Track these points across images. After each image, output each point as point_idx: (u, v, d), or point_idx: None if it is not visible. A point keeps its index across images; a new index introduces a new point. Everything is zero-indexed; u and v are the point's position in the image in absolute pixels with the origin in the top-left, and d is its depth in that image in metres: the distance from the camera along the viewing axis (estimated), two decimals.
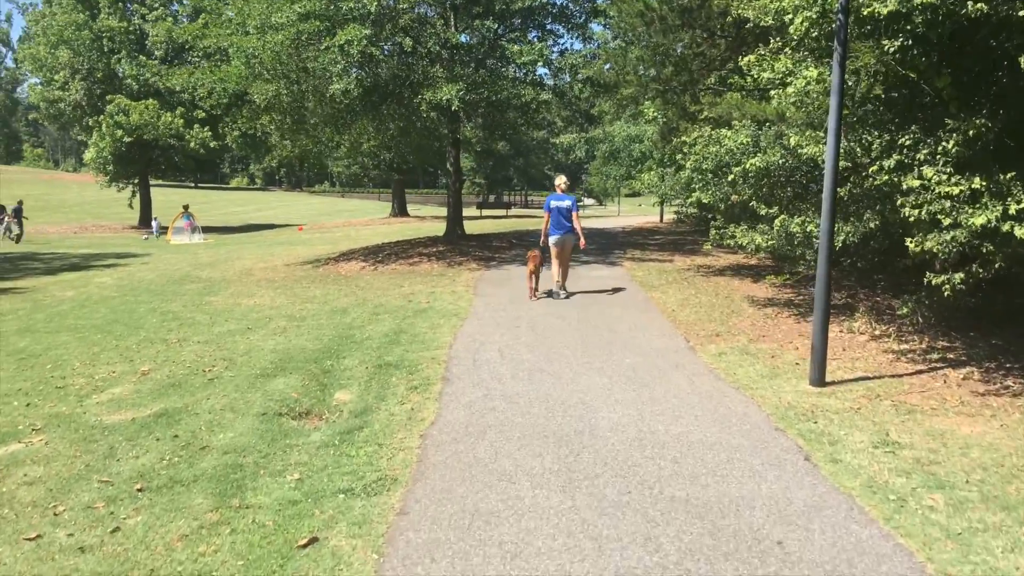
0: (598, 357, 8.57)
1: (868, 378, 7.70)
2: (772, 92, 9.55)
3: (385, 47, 15.23)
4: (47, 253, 25.26)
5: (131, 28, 40.46)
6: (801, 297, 12.22)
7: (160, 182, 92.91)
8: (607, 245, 20.95)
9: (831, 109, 7.01)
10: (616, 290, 13.14)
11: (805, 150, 8.38)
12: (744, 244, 10.40)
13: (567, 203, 12.43)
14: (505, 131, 22.11)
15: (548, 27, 19.27)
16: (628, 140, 26.83)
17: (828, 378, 7.51)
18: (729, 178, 10.55)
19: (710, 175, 11.53)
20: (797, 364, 8.22)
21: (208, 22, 19.00)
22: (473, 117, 18.97)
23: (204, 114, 37.82)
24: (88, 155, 42.50)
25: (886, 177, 7.55)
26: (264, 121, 17.48)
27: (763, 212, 9.93)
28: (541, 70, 17.96)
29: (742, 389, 7.33)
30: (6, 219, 33.91)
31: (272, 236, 34.74)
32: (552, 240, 12.44)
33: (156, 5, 41.85)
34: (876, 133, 7.89)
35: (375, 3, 14.49)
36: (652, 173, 15.63)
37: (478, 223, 34.17)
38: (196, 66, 21.27)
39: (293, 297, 13.60)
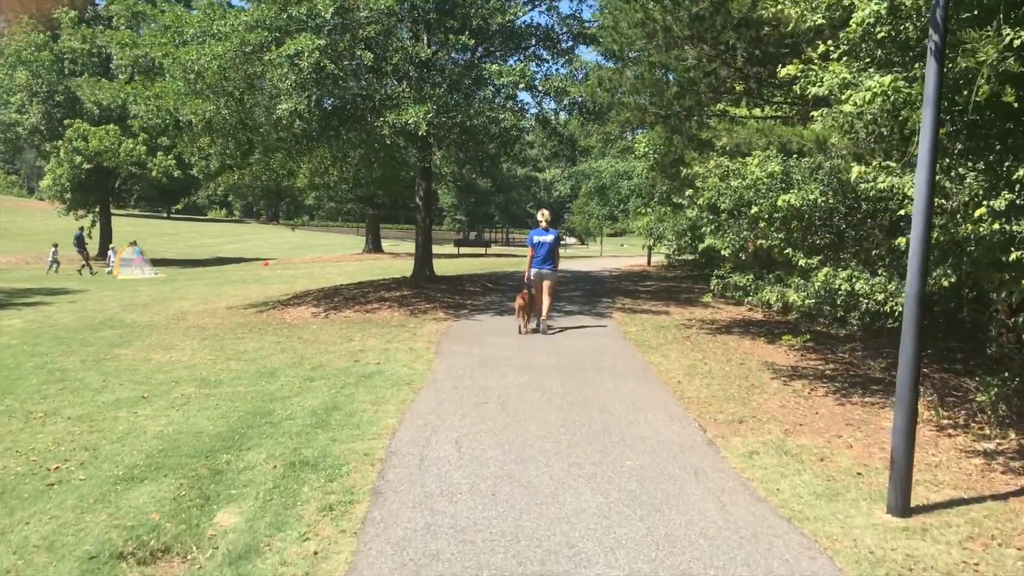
0: (589, 456, 6.35)
1: (964, 501, 5.52)
2: (814, 113, 7.50)
3: (343, 62, 13.09)
4: None
5: (93, 50, 38.23)
6: (831, 366, 10.08)
7: (128, 212, 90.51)
8: (594, 292, 18.79)
9: (924, 124, 4.93)
10: (607, 351, 10.96)
11: (876, 183, 6.26)
12: (771, 301, 8.28)
13: (550, 238, 12.22)
14: (481, 162, 19.97)
15: (532, 51, 17.31)
16: (616, 176, 24.89)
17: (912, 501, 5.34)
18: (749, 218, 8.46)
19: (723, 215, 9.44)
20: (859, 474, 6.04)
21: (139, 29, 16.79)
22: (444, 145, 16.83)
23: (168, 141, 35.61)
24: (44, 182, 40.13)
25: (990, 222, 5.46)
26: (203, 144, 15.25)
27: (799, 262, 7.82)
28: (523, 95, 15.98)
29: (796, 520, 5.12)
30: None
31: (232, 272, 32.39)
32: (535, 274, 12.31)
33: (120, 26, 39.85)
34: (971, 162, 5.80)
35: (330, 9, 12.40)
36: (649, 214, 13.55)
37: (454, 262, 32.00)
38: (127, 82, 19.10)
39: (219, 352, 11.31)
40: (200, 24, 12.91)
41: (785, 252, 7.98)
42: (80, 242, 32.57)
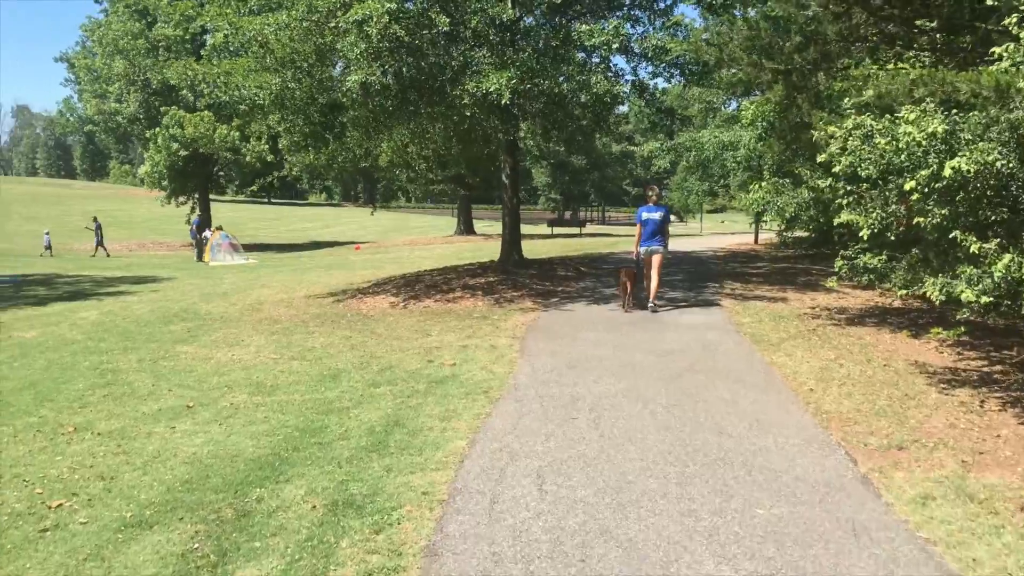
0: (707, 499, 4.92)
1: None
2: (996, 50, 5.79)
3: (416, 28, 11.84)
4: (67, 276, 22.79)
5: (186, 36, 38.39)
6: (999, 367, 8.27)
7: (232, 198, 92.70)
8: (697, 274, 17.10)
9: None
10: (718, 349, 9.41)
11: None
12: (932, 295, 6.60)
13: (658, 215, 12.10)
14: (572, 134, 18.41)
15: (627, 10, 15.63)
16: (720, 148, 22.98)
17: None
18: (902, 189, 6.78)
19: (865, 186, 7.75)
20: None
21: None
22: (530, 116, 15.39)
23: (239, 121, 35.33)
24: (143, 169, 40.75)
25: None
26: (273, 122, 14.33)
27: (972, 247, 6.12)
28: (617, 60, 14.43)
29: None
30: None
31: (322, 257, 31.95)
32: (643, 251, 12.18)
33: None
34: None
35: None
36: (761, 188, 11.85)
37: (546, 244, 30.65)
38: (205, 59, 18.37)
39: (284, 349, 10.31)
40: None
41: (950, 232, 6.28)
42: (200, 229, 32.51)
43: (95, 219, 36.01)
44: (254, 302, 15.15)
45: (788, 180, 11.99)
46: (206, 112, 37.31)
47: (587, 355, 9.14)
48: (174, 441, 6.49)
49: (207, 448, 6.27)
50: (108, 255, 34.28)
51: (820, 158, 7.82)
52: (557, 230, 48.37)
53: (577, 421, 6.63)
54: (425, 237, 43.95)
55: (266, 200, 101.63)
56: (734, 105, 24.70)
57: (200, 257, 30.36)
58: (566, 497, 5.01)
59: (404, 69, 12.38)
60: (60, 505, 5.17)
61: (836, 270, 8.43)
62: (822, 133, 8.09)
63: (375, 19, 10.92)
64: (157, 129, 38.36)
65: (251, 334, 11.57)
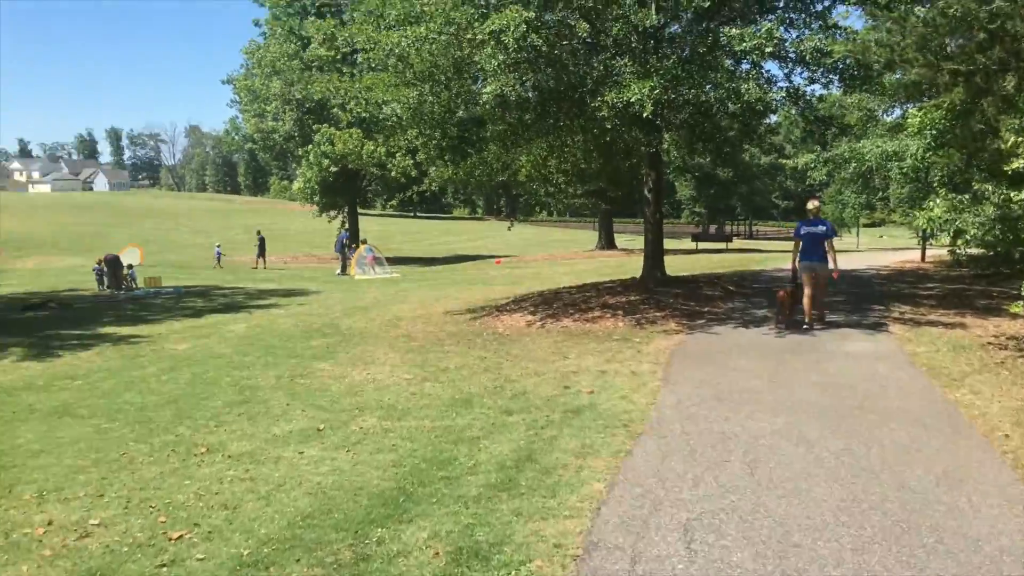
0: (892, 573, 4.14)
1: None
2: None
3: (555, 38, 11.42)
4: (225, 288, 23.85)
5: (337, 56, 39.68)
6: None
7: (380, 212, 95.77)
8: (861, 296, 15.74)
9: None
10: (890, 383, 8.40)
11: None
12: None
13: (821, 229, 11.50)
14: (719, 146, 17.44)
15: (780, 13, 14.61)
16: (883, 158, 21.30)
17: None
18: None
19: None
20: None
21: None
22: (674, 127, 14.63)
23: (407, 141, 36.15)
24: (296, 185, 42.45)
25: None
26: (411, 137, 14.28)
27: None
28: (769, 65, 13.52)
29: None
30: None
31: (462, 271, 32.13)
32: (801, 267, 11.58)
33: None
34: None
35: None
36: (938, 206, 10.58)
37: (689, 260, 29.55)
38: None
39: (418, 369, 10.07)
40: (403, 5, 11.77)
41: None
42: (344, 244, 33.57)
43: (259, 232, 38.23)
44: (392, 318, 15.14)
45: (966, 196, 10.69)
46: (355, 129, 38.40)
47: (739, 386, 8.36)
48: (300, 468, 6.26)
49: (332, 478, 5.99)
50: (265, 267, 36.05)
51: (1013, 165, 6.77)
52: (702, 245, 46.89)
53: (729, 464, 5.92)
54: (566, 251, 43.63)
55: (412, 214, 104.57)
56: (897, 112, 22.91)
57: (343, 271, 31.22)
58: (719, 560, 4.35)
59: (543, 80, 11.98)
60: (180, 537, 4.97)
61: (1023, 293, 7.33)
62: (1013, 140, 7.03)
63: (512, 29, 10.56)
64: (310, 146, 39.83)
65: (387, 352, 11.43)
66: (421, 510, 5.28)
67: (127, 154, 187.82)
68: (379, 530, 4.99)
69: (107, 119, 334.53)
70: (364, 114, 13.26)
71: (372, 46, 12.07)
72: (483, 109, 12.92)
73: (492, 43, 11.01)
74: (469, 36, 11.26)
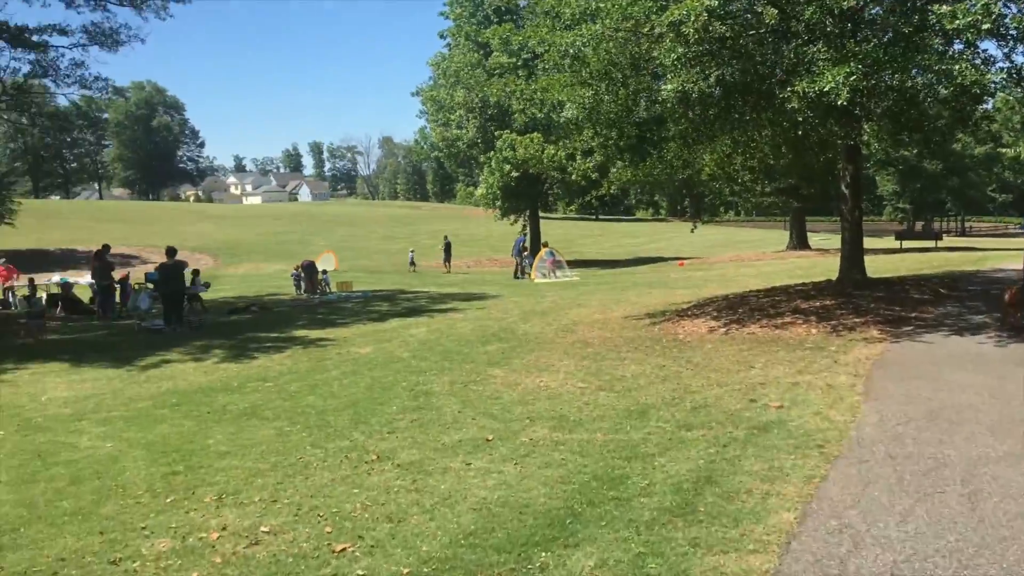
0: None
1: None
2: None
3: (740, 26, 10.70)
4: (409, 292, 24.55)
5: (518, 63, 40.17)
6: None
7: (561, 215, 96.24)
8: None
9: None
10: None
11: None
12: None
13: None
14: (926, 135, 15.73)
15: None
16: None
17: None
18: None
19: None
20: None
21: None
22: (874, 115, 13.33)
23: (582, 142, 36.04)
24: (479, 191, 43.35)
25: None
26: (586, 137, 13.91)
27: None
28: (985, 44, 12.07)
29: None
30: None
31: (643, 274, 31.42)
32: None
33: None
34: None
35: None
36: None
37: (893, 260, 27.27)
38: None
39: (592, 377, 9.71)
40: (578, 3, 11.46)
41: None
42: (522, 248, 34.01)
43: (445, 237, 39.71)
44: (569, 322, 14.87)
45: None
46: (535, 134, 38.67)
47: (954, 402, 7.39)
48: (467, 481, 6.08)
49: (498, 493, 5.75)
50: (449, 271, 37.21)
51: None
52: (906, 243, 43.40)
53: (945, 496, 5.15)
54: (753, 253, 41.75)
55: (594, 216, 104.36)
56: None
57: (518, 274, 31.55)
58: None
59: (726, 73, 11.28)
60: (344, 550, 4.89)
61: None
62: None
63: (693, 19, 9.97)
64: (492, 152, 40.54)
65: (561, 358, 11.16)
66: (589, 533, 4.93)
67: (327, 166, 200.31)
68: (543, 554, 4.68)
69: (310, 134, 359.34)
70: (539, 114, 13.05)
71: (547, 48, 11.87)
72: (663, 107, 12.39)
73: (671, 35, 10.49)
74: (647, 30, 10.78)
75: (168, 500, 5.90)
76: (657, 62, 11.57)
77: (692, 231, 41.54)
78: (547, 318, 15.74)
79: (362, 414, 8.43)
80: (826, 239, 46.11)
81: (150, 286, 17.53)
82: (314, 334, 14.95)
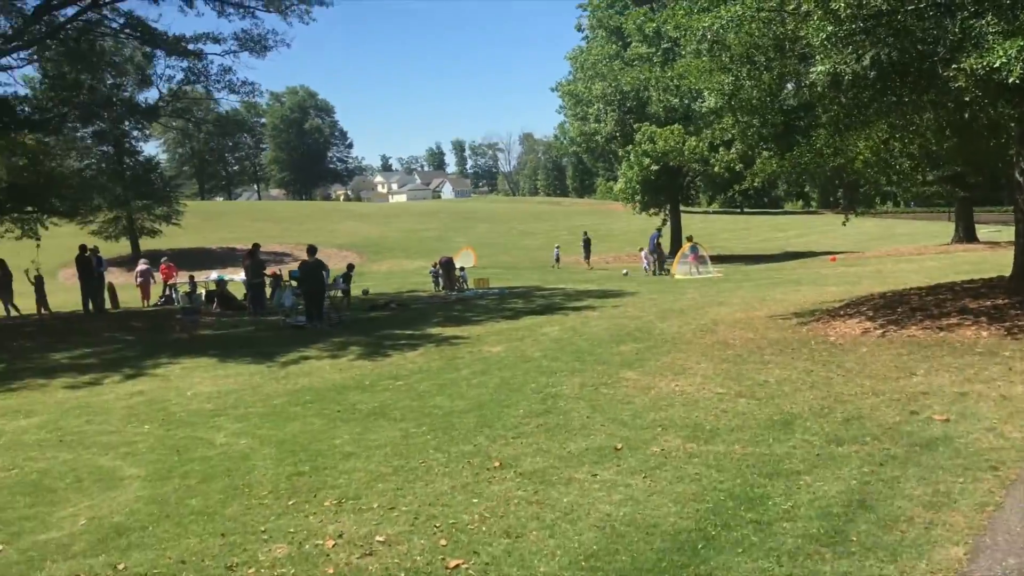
0: None
1: None
2: None
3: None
4: (545, 289, 24.37)
5: (656, 52, 39.21)
6: None
7: (703, 209, 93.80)
8: None
9: None
10: None
11: None
12: None
13: None
14: None
15: None
16: None
17: None
18: None
19: None
20: None
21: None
22: None
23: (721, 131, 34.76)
24: (617, 185, 42.70)
25: None
26: (726, 125, 13.13)
27: None
28: None
29: None
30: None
31: (791, 270, 29.93)
32: None
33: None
34: None
35: None
36: None
37: None
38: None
39: (732, 382, 9.11)
40: None
41: None
42: (657, 243, 33.33)
43: (585, 233, 39.52)
44: (709, 322, 14.18)
45: None
46: (676, 126, 37.63)
47: None
48: (591, 494, 5.72)
49: (623, 509, 5.37)
50: (590, 267, 36.90)
51: None
52: None
53: None
54: (913, 246, 39.03)
55: (739, 210, 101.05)
56: None
57: (652, 269, 30.95)
58: None
59: (882, 52, 10.32)
60: (457, 567, 4.64)
61: None
62: None
63: None
64: (630, 146, 39.79)
65: (699, 360, 10.58)
66: (723, 561, 4.47)
67: (469, 163, 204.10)
68: None
69: (453, 133, 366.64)
70: (674, 102, 12.46)
71: (682, 32, 11.29)
72: (811, 91, 11.54)
73: (819, 13, 9.70)
74: (792, 8, 10.02)
75: (290, 502, 5.86)
76: (804, 43, 10.77)
77: (845, 224, 39.17)
78: (686, 316, 15.10)
79: (488, 417, 8.22)
80: (996, 231, 42.57)
81: (293, 283, 18.08)
82: (448, 332, 14.96)
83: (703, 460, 6.33)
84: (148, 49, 22.65)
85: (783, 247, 49.65)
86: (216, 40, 22.10)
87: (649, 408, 8.19)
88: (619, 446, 6.87)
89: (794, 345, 11.17)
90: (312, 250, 17.10)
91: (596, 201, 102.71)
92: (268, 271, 21.72)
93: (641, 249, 36.72)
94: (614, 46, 41.02)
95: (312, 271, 16.44)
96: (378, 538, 5.11)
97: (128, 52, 27.69)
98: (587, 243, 39.07)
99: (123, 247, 48.47)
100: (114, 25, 20.88)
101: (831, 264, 31.55)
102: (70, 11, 20.07)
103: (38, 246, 22.07)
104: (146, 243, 49.11)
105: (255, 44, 22.00)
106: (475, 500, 5.73)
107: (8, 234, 22.23)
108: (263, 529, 5.35)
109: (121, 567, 4.86)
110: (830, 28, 9.78)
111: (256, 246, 21.08)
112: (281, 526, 5.40)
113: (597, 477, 6.08)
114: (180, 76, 23.89)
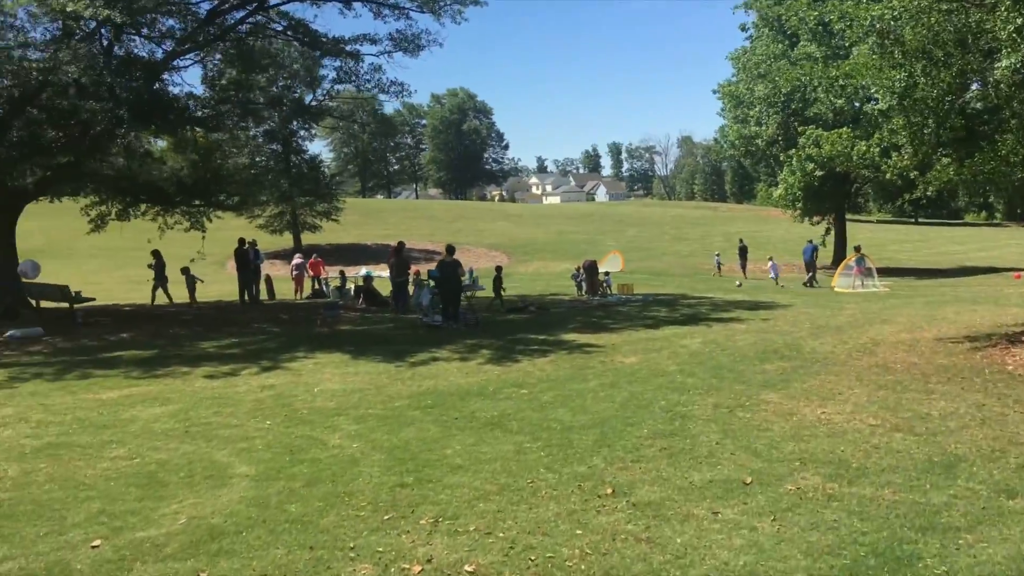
0: None
1: None
2: None
3: None
4: (692, 297, 23.38)
5: (827, 52, 36.96)
6: None
7: (871, 218, 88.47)
8: None
9: None
10: None
11: None
12: None
13: None
14: None
15: None
16: None
17: None
18: None
19: None
20: None
21: None
22: None
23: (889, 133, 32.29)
24: (777, 192, 40.72)
25: None
26: (896, 126, 11.87)
27: None
28: None
29: None
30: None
31: (968, 286, 27.41)
32: None
33: None
34: None
35: None
36: None
37: None
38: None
39: (889, 412, 8.14)
40: None
41: None
42: (813, 255, 31.60)
43: (741, 240, 38.03)
44: (868, 341, 12.98)
45: None
46: (844, 129, 35.35)
47: None
48: (709, 535, 5.10)
49: (744, 558, 4.73)
50: (745, 276, 35.28)
51: None
52: None
53: None
54: None
55: (912, 220, 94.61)
56: None
57: (809, 283, 29.19)
58: None
59: None
60: None
61: None
62: None
63: None
64: (793, 150, 37.76)
65: (852, 385, 9.59)
66: None
67: (624, 166, 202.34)
68: None
69: (610, 135, 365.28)
70: (840, 103, 11.42)
71: (848, 24, 10.28)
72: (996, 91, 10.27)
73: (1008, 2, 8.54)
74: None
75: (386, 517, 5.57)
76: (991, 36, 9.56)
77: None
78: (842, 335, 13.91)
79: (609, 435, 7.68)
80: None
81: (431, 283, 18.13)
82: (583, 339, 14.47)
83: (844, 504, 5.55)
84: (308, 51, 23.44)
85: (960, 261, 45.80)
86: (373, 41, 22.56)
87: (788, 437, 7.40)
88: (748, 480, 6.18)
89: (965, 373, 9.95)
90: (450, 249, 17.06)
91: (755, 207, 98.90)
92: (412, 269, 21.96)
93: (770, 258, 34.97)
94: (780, 45, 39.09)
95: (449, 270, 16.37)
96: (467, 567, 4.72)
97: (294, 54, 28.95)
98: (743, 251, 37.42)
99: (286, 240, 50.91)
100: (277, 27, 21.68)
101: (1015, 282, 28.70)
102: (239, 15, 20.99)
103: (203, 238, 23.32)
104: (307, 238, 51.42)
105: (409, 44, 22.28)
106: (579, 532, 5.24)
107: (177, 226, 23.59)
108: (352, 545, 5.08)
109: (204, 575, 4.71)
110: (1020, 20, 8.59)
111: (401, 244, 21.36)
112: (371, 543, 5.11)
113: (719, 516, 5.44)
114: (332, 75, 24.64)
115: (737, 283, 31.25)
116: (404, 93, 23.95)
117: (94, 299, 19.25)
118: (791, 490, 5.91)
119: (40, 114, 18.25)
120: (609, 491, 6.02)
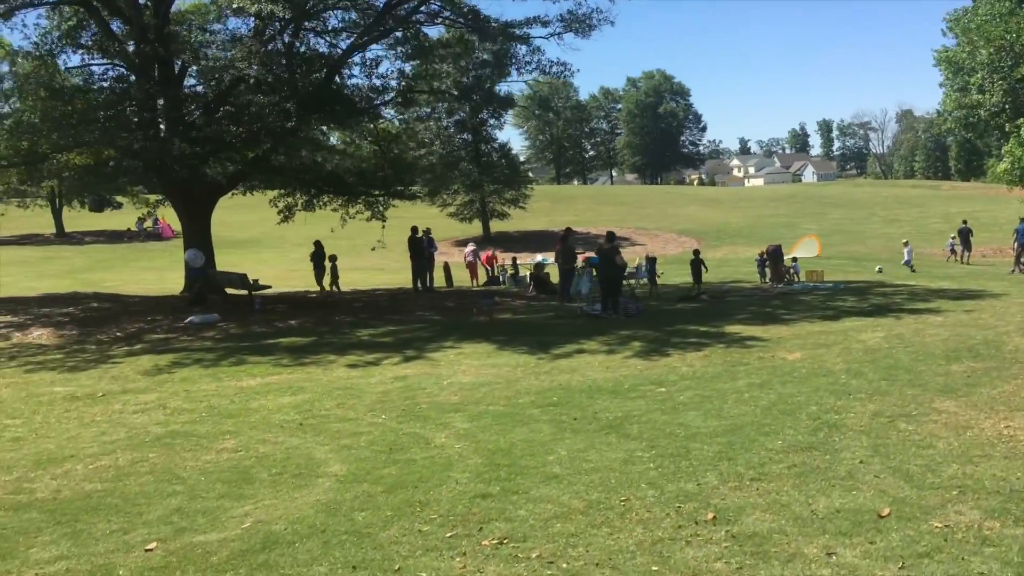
0: None
1: None
2: None
3: None
4: (890, 285, 21.14)
5: None
6: None
7: None
8: None
9: None
10: None
11: None
12: None
13: None
14: None
15: None
16: None
17: None
18: None
19: None
20: None
21: None
22: None
23: None
24: (1001, 166, 36.28)
25: None
26: None
27: None
28: None
29: None
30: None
31: None
32: None
33: None
34: None
35: None
36: None
37: None
38: None
39: None
40: None
41: None
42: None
43: (964, 222, 33.10)
44: None
45: None
46: None
47: None
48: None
49: None
50: (968, 263, 31.25)
51: None
52: None
53: None
54: None
55: None
56: None
57: (1015, 268, 25.40)
58: None
59: None
60: None
61: None
62: None
63: None
64: (1022, 119, 33.50)
65: None
66: None
67: (836, 144, 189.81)
68: None
69: (820, 112, 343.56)
70: None
71: None
72: None
73: None
74: None
75: (449, 535, 5.09)
76: None
77: None
78: None
79: (735, 446, 6.78)
80: None
81: (592, 270, 17.48)
82: (747, 331, 13.31)
83: (1000, 552, 4.44)
84: (473, 38, 23.33)
85: None
86: (544, 23, 22.12)
87: (953, 457, 6.18)
88: (885, 512, 5.14)
89: None
90: (611, 236, 16.36)
91: (983, 185, 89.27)
92: (580, 256, 21.41)
93: (905, 242, 30.25)
94: (1008, 2, 34.77)
95: (608, 257, 15.67)
96: None
97: (476, 43, 29.14)
98: (964, 233, 31.99)
99: (475, 228, 51.88)
100: (448, 15, 21.76)
101: None
102: (411, 4, 21.29)
103: (383, 227, 23.96)
104: (496, 225, 52.11)
105: (580, 24, 21.64)
106: (654, 568, 4.51)
107: (359, 215, 24.39)
108: (398, 567, 4.64)
109: None
110: None
111: (568, 230, 20.86)
112: (420, 565, 4.65)
113: (832, 558, 4.51)
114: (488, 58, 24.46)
115: (877, 268, 27.42)
116: (567, 74, 23.35)
117: (270, 286, 20.25)
118: (936, 528, 4.84)
119: (228, 110, 19.47)
120: (710, 516, 5.21)
